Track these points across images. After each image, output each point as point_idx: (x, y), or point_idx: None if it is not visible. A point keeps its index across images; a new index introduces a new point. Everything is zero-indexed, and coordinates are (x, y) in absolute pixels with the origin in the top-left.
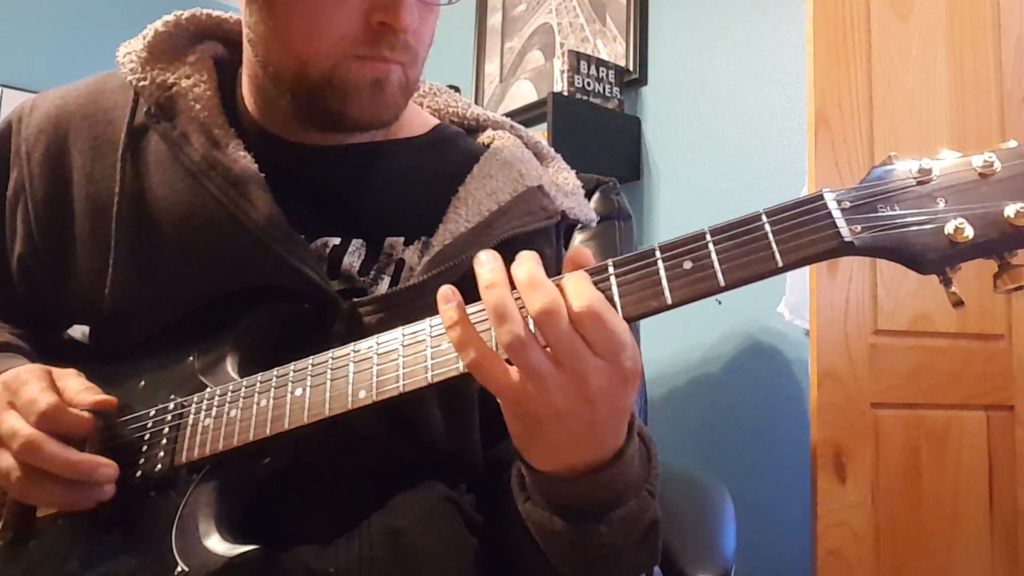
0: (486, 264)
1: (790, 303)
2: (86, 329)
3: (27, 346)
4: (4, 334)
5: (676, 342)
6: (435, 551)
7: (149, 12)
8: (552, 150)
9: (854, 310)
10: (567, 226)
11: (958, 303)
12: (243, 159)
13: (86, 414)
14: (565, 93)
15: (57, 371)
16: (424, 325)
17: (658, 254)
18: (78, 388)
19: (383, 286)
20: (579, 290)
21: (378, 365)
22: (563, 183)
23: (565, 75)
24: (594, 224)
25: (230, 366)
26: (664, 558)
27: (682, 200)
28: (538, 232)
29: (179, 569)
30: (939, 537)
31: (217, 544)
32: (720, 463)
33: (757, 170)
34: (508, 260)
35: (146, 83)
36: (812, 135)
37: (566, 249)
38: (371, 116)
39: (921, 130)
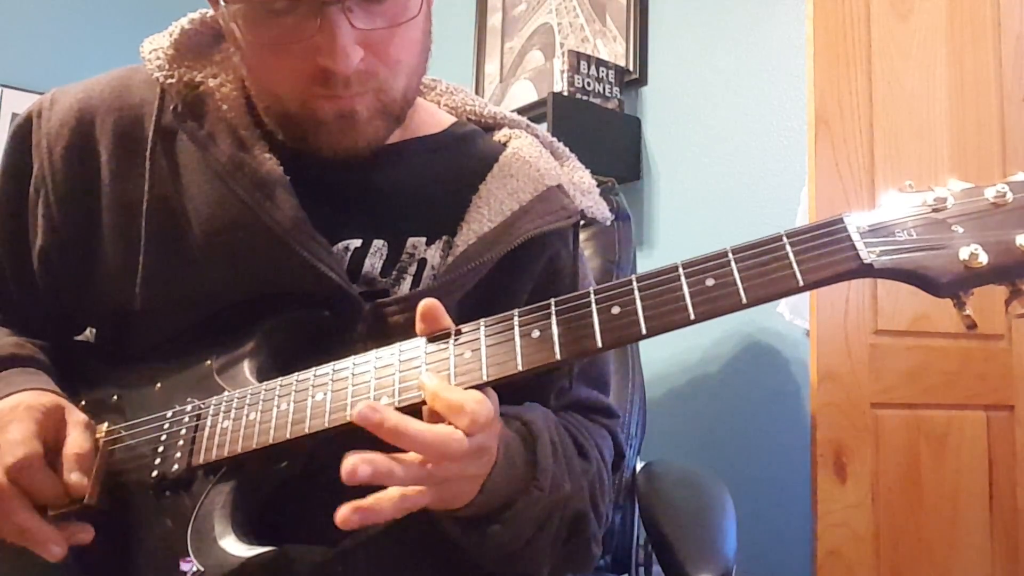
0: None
1: (790, 303)
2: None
3: (48, 361)
4: (28, 346)
5: (676, 342)
6: (439, 551)
7: (149, 13)
8: (567, 150)
9: (854, 310)
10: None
11: (971, 326)
12: (269, 161)
13: (59, 484)
14: (565, 93)
15: (70, 415)
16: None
17: (681, 271)
18: (70, 450)
19: (405, 286)
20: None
21: (400, 371)
22: (579, 182)
23: (565, 75)
24: (608, 222)
25: (248, 370)
26: (666, 558)
27: (682, 200)
28: (555, 233)
29: (195, 569)
30: (939, 537)
31: (232, 545)
32: (720, 463)
33: (757, 170)
34: (527, 260)
35: (173, 81)
36: (812, 135)
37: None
38: (344, 147)
39: (921, 130)
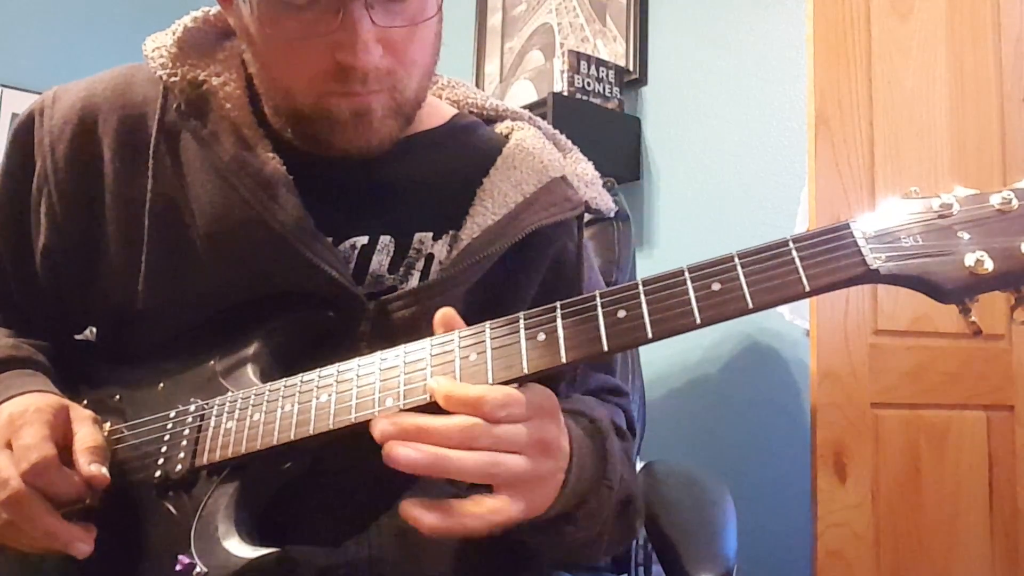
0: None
1: (790, 303)
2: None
3: (47, 363)
4: (25, 348)
5: (675, 342)
6: (441, 550)
7: (149, 13)
8: (569, 142)
9: (854, 310)
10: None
11: (977, 332)
12: (272, 160)
13: (77, 477)
14: (565, 93)
15: (75, 412)
16: (453, 336)
17: (687, 275)
18: (83, 444)
19: (413, 282)
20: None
21: (406, 373)
22: (582, 173)
23: (565, 75)
24: (611, 213)
25: (251, 371)
26: (667, 558)
27: (682, 200)
28: (560, 225)
29: (198, 570)
30: (939, 537)
31: (236, 546)
32: (720, 463)
33: (757, 170)
34: (532, 252)
35: (176, 79)
36: (812, 135)
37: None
38: (358, 145)
39: (921, 130)
